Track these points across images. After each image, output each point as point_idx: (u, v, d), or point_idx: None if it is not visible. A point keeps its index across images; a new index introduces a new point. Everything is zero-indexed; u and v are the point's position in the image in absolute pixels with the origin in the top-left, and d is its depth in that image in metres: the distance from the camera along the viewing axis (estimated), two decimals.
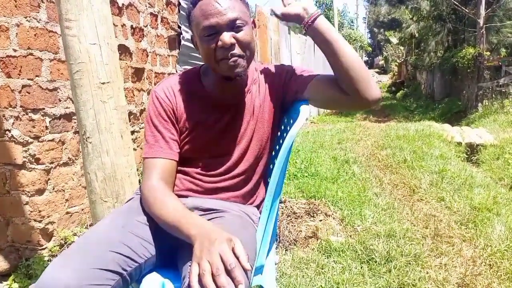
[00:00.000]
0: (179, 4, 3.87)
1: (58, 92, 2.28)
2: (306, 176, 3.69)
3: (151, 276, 1.01)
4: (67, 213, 2.38)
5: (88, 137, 1.42)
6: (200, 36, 1.07)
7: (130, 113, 3.09)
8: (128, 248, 0.96)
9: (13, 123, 2.06)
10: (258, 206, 1.25)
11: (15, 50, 2.03)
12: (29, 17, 2.08)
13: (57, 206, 2.30)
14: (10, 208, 2.17)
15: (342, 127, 7.38)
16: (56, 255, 2.20)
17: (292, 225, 2.54)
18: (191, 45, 1.19)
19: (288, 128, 1.16)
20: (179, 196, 1.12)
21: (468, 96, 10.88)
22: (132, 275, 0.96)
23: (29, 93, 2.10)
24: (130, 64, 3.05)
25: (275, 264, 2.02)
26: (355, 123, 7.86)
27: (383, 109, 13.43)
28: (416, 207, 3.01)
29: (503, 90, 9.47)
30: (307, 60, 10.46)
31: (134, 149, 3.06)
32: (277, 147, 1.29)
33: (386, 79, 27.24)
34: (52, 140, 2.25)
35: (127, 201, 1.19)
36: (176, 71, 3.85)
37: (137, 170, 1.67)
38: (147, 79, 3.33)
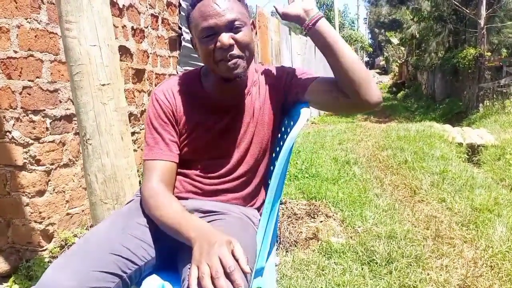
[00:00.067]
0: (180, 5, 3.87)
1: (58, 93, 2.28)
2: (306, 177, 3.68)
3: (151, 279, 1.01)
4: (68, 214, 2.38)
5: (89, 139, 1.42)
6: (199, 38, 1.07)
7: (130, 114, 3.09)
8: (128, 250, 0.96)
9: (13, 125, 2.06)
10: (258, 208, 1.24)
11: (15, 52, 2.03)
12: (30, 18, 2.08)
13: (58, 207, 2.30)
14: (11, 210, 2.17)
15: (343, 127, 7.38)
16: (57, 257, 2.20)
17: (292, 226, 2.53)
18: (192, 46, 1.19)
19: (289, 130, 1.16)
20: (179, 198, 1.12)
21: (469, 97, 10.87)
22: (132, 278, 0.96)
23: (29, 94, 2.10)
24: (130, 65, 3.05)
25: (276, 265, 2.02)
26: (356, 124, 7.86)
27: (384, 110, 13.42)
28: (417, 208, 3.00)
29: (504, 91, 9.46)
30: (308, 61, 10.46)
31: (135, 150, 3.06)
32: (278, 149, 1.29)
33: (387, 80, 27.24)
34: (53, 141, 2.25)
35: (127, 203, 1.19)
36: (177, 72, 3.86)
37: (138, 171, 1.67)
38: (147, 80, 3.33)
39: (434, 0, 12.35)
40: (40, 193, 2.18)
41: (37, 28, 2.13)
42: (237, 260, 0.80)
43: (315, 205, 2.87)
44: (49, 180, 2.23)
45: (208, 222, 1.05)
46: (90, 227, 2.41)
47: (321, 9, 33.37)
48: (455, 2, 11.04)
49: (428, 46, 14.11)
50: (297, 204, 2.90)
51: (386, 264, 2.09)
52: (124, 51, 2.95)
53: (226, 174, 1.18)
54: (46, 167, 2.20)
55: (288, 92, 1.19)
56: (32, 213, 2.16)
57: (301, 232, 2.48)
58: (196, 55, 4.21)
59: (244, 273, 0.80)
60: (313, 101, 1.15)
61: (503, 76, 10.01)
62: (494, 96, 9.77)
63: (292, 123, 1.17)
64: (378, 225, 2.61)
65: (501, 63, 10.53)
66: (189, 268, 0.81)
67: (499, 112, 8.63)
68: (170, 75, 3.73)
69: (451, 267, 2.10)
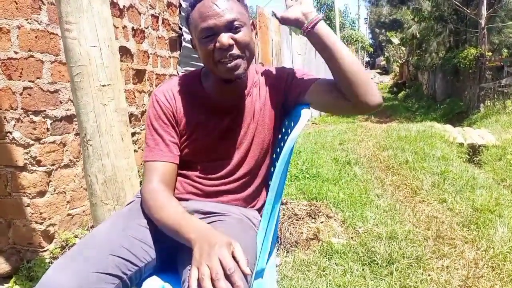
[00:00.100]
0: (180, 5, 3.87)
1: (59, 94, 2.28)
2: (307, 178, 3.68)
3: (151, 280, 1.01)
4: (68, 215, 2.38)
5: (89, 140, 1.42)
6: (199, 38, 1.07)
7: (131, 115, 3.09)
8: (128, 252, 0.95)
9: (14, 125, 2.06)
10: (259, 210, 1.24)
11: (16, 52, 2.04)
12: (30, 19, 2.08)
13: (58, 208, 2.30)
14: (12, 210, 2.17)
15: (343, 128, 7.37)
16: (58, 257, 2.20)
17: (293, 227, 2.53)
18: (192, 47, 1.19)
19: (289, 131, 1.16)
20: (180, 199, 1.12)
21: (470, 97, 10.86)
22: (132, 279, 0.96)
23: (30, 95, 2.10)
24: (131, 66, 3.05)
25: (276, 266, 2.02)
26: (357, 124, 7.85)
27: (385, 110, 13.41)
28: (418, 209, 3.00)
29: (505, 91, 9.45)
30: (308, 60, 10.45)
31: (136, 151, 3.06)
32: (278, 150, 1.28)
33: (388, 80, 27.22)
34: (53, 142, 2.25)
35: (127, 204, 1.19)
36: (178, 73, 3.86)
37: (138, 172, 1.67)
38: (148, 80, 3.33)
39: (435, 0, 12.35)
40: (41, 193, 2.18)
41: (38, 29, 2.13)
42: (237, 262, 0.80)
43: (316, 206, 2.87)
44: (50, 181, 2.23)
45: (209, 223, 1.05)
46: (91, 227, 2.41)
47: (322, 9, 33.34)
48: (456, 2, 11.03)
49: (429, 46, 14.11)
50: (298, 205, 2.89)
51: (387, 265, 2.09)
52: (124, 52, 2.95)
53: (226, 176, 1.18)
54: (47, 168, 2.20)
55: (288, 93, 1.19)
56: (33, 213, 2.16)
57: (302, 233, 2.48)
58: (196, 56, 4.20)
59: (244, 274, 0.80)
60: (313, 103, 1.15)
61: (504, 76, 10.00)
62: (495, 96, 9.76)
63: (292, 124, 1.17)
64: (379, 225, 2.60)
65: (502, 63, 10.52)
66: (189, 270, 0.81)
67: (500, 112, 8.61)
68: (170, 75, 3.73)
69: (452, 268, 2.09)
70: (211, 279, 0.77)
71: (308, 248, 2.33)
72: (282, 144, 1.23)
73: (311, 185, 3.39)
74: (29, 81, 2.10)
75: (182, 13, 3.86)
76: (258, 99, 1.19)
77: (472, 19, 11.04)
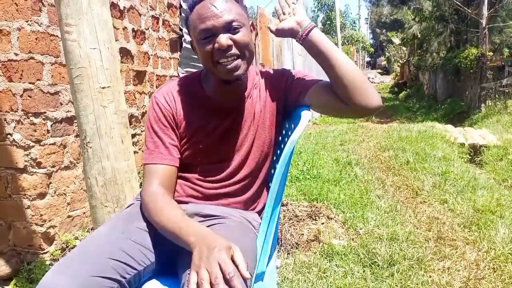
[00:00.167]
0: (181, 6, 3.87)
1: (59, 95, 2.28)
2: (308, 179, 3.67)
3: (151, 284, 1.00)
4: (69, 216, 2.38)
5: (89, 142, 1.42)
6: (198, 40, 1.07)
7: (131, 116, 3.09)
8: (127, 255, 0.95)
9: (14, 127, 2.06)
10: (259, 212, 1.24)
11: (16, 54, 2.04)
12: (31, 21, 2.08)
13: (59, 210, 2.29)
14: (12, 212, 2.17)
15: (344, 128, 7.36)
16: (58, 259, 2.20)
17: (294, 229, 2.52)
18: (192, 49, 1.19)
19: (290, 133, 1.16)
20: (180, 202, 1.12)
21: (471, 97, 10.84)
22: (131, 283, 0.95)
23: (30, 97, 2.10)
24: (131, 67, 3.05)
25: (277, 268, 2.01)
26: (358, 124, 7.84)
27: (386, 110, 13.40)
28: (419, 210, 2.99)
29: (506, 91, 9.43)
30: (309, 61, 10.43)
31: (136, 152, 3.06)
32: (279, 152, 1.28)
33: (389, 80, 27.21)
34: (54, 143, 2.25)
35: (127, 207, 1.18)
36: (178, 74, 3.86)
37: (138, 173, 1.67)
38: (148, 82, 3.33)
39: (436, 0, 12.34)
40: (41, 195, 2.18)
41: (38, 31, 2.13)
42: (236, 266, 0.80)
43: (317, 207, 2.86)
44: (50, 183, 2.23)
45: (208, 226, 1.04)
46: (91, 229, 2.41)
47: (323, 9, 33.32)
48: (457, 2, 11.02)
49: (429, 46, 14.09)
50: (299, 206, 2.89)
51: (388, 267, 2.08)
52: (125, 53, 2.95)
53: (227, 178, 1.17)
54: (47, 170, 2.20)
55: (288, 95, 1.18)
56: (33, 215, 2.16)
57: (303, 234, 2.47)
58: (197, 57, 4.20)
59: (244, 279, 0.80)
60: (313, 104, 1.15)
61: (505, 76, 9.99)
62: (496, 96, 9.74)
63: (293, 126, 1.16)
64: (379, 226, 2.60)
65: (503, 63, 10.50)
66: (189, 274, 0.81)
67: (501, 112, 8.59)
68: (171, 76, 3.73)
69: (453, 269, 2.09)
70: (210, 283, 0.76)
71: (308, 250, 2.32)
72: (282, 146, 1.23)
73: (311, 186, 3.38)
74: (30, 83, 2.09)
75: (183, 14, 3.86)
76: (258, 101, 1.19)
77: (473, 19, 11.03)
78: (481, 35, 10.36)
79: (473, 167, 4.51)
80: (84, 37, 1.36)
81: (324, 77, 1.20)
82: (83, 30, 1.36)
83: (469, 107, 10.80)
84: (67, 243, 2.30)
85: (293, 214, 2.72)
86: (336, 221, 2.70)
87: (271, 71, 1.25)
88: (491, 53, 10.66)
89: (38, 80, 2.14)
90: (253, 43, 1.11)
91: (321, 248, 2.31)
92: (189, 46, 3.90)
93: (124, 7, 2.94)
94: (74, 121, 2.38)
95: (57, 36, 2.25)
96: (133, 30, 3.06)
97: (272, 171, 1.29)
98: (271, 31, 1.18)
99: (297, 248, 2.33)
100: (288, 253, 2.29)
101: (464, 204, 3.01)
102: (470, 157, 5.29)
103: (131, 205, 1.17)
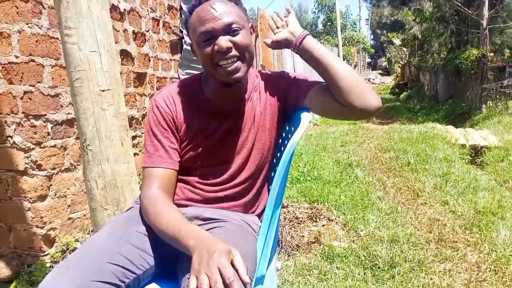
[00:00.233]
0: (181, 8, 3.88)
1: (59, 98, 2.28)
2: (308, 180, 3.67)
3: (150, 287, 1.00)
4: (69, 218, 2.38)
5: (88, 145, 1.42)
6: (197, 42, 1.07)
7: (132, 118, 3.09)
8: (126, 259, 0.95)
9: (15, 130, 2.06)
10: (259, 215, 1.23)
11: (16, 57, 2.04)
12: (31, 23, 2.09)
13: (59, 212, 2.29)
14: (12, 215, 2.17)
15: (345, 129, 7.35)
16: (58, 261, 2.20)
17: (294, 230, 2.52)
18: (192, 52, 1.19)
19: (290, 136, 1.15)
20: (180, 205, 1.11)
21: (472, 98, 10.83)
22: (130, 287, 0.95)
23: (30, 99, 2.10)
24: (132, 69, 3.05)
25: (277, 270, 2.01)
26: (358, 125, 7.83)
27: (387, 111, 13.40)
28: (420, 211, 2.99)
29: (507, 91, 9.41)
30: None
31: (137, 154, 3.06)
32: (279, 154, 1.28)
33: (389, 81, 27.20)
34: (54, 146, 2.25)
35: (126, 210, 1.18)
36: (179, 76, 3.86)
37: (139, 175, 1.67)
38: (149, 83, 3.33)
39: (436, 1, 12.33)
40: (42, 197, 2.18)
41: (38, 33, 2.13)
42: (236, 270, 0.79)
43: (317, 209, 2.86)
44: (51, 185, 2.23)
45: (208, 229, 1.04)
46: (91, 231, 2.40)
47: (323, 10, 33.33)
48: (457, 3, 11.02)
49: (430, 47, 14.08)
50: (299, 208, 2.89)
51: (388, 269, 2.07)
52: (125, 55, 2.95)
53: (227, 181, 1.17)
54: (48, 172, 2.20)
55: (288, 98, 1.18)
56: (33, 218, 2.16)
57: (303, 236, 2.47)
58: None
59: (244, 283, 0.79)
60: (313, 107, 1.15)
61: (506, 76, 9.97)
62: (497, 96, 9.72)
63: (292, 128, 1.16)
64: (380, 228, 2.59)
65: (504, 64, 10.49)
66: (188, 278, 0.80)
67: (503, 113, 8.58)
68: (171, 78, 3.74)
69: (454, 271, 2.08)
70: None
71: (309, 252, 2.32)
72: (282, 149, 1.23)
73: (312, 187, 3.38)
74: (30, 85, 2.10)
75: (183, 16, 3.86)
76: (258, 104, 1.19)
77: (473, 19, 11.02)
78: (481, 36, 10.35)
79: (474, 168, 4.50)
80: (84, 40, 1.37)
81: None
82: (82, 33, 1.36)
83: (470, 108, 10.78)
84: (67, 245, 2.29)
85: (293, 216, 2.71)
86: (336, 223, 2.70)
87: (271, 74, 1.25)
88: (492, 54, 10.65)
89: (38, 82, 2.14)
90: (253, 45, 1.11)
91: (321, 250, 2.30)
92: (189, 48, 3.90)
93: (125, 9, 2.94)
94: (75, 123, 2.38)
95: (57, 38, 2.25)
96: (133, 32, 3.07)
97: (272, 174, 1.28)
98: (267, 44, 1.21)
99: (297, 250, 2.33)
100: (289, 255, 2.28)
101: (465, 205, 3.00)
102: (471, 158, 5.28)
103: (130, 208, 1.17)
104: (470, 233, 2.56)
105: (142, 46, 3.21)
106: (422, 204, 3.16)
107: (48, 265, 2.18)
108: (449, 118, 10.80)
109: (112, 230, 1.03)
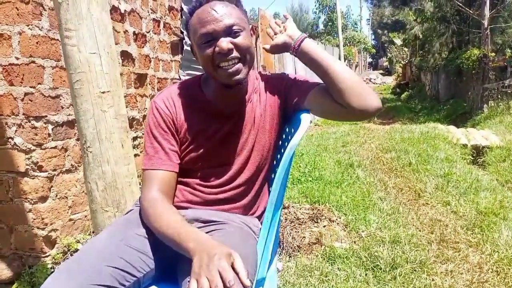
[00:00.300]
0: (182, 9, 3.88)
1: (60, 99, 2.28)
2: (310, 181, 3.66)
3: None
4: (70, 220, 2.38)
5: (89, 147, 1.42)
6: (198, 44, 1.07)
7: (133, 119, 3.09)
8: (126, 262, 0.95)
9: (15, 131, 2.07)
10: (259, 217, 1.23)
11: (17, 58, 2.04)
12: (31, 25, 2.09)
13: (60, 213, 2.29)
14: (13, 216, 2.17)
15: (346, 129, 7.34)
16: (59, 263, 2.20)
17: (295, 231, 2.52)
18: (193, 54, 1.19)
19: (290, 137, 1.15)
20: (179, 207, 1.11)
21: (473, 97, 10.80)
22: None
23: (31, 100, 2.10)
24: (132, 70, 3.05)
25: (278, 271, 2.00)
26: (360, 126, 7.82)
27: (388, 111, 13.38)
28: (422, 212, 2.98)
29: (509, 91, 9.38)
30: None
31: (138, 155, 3.06)
32: (279, 156, 1.27)
33: (391, 81, 27.16)
34: (55, 147, 2.25)
35: (126, 213, 1.18)
36: (179, 77, 3.86)
37: (139, 176, 1.66)
38: (149, 84, 3.33)
39: (437, 1, 12.32)
40: (43, 199, 2.18)
41: (39, 35, 2.13)
42: (237, 273, 0.79)
43: (318, 209, 2.85)
44: (52, 186, 2.23)
45: (208, 232, 1.04)
46: (92, 232, 2.40)
47: (324, 11, 33.32)
48: (458, 3, 11.00)
49: (431, 46, 14.06)
50: (300, 208, 2.88)
51: (390, 270, 2.07)
52: (126, 56, 2.95)
53: (227, 183, 1.17)
54: (49, 173, 2.20)
55: (288, 99, 1.18)
56: (34, 219, 2.16)
57: (304, 237, 2.46)
58: None
59: (244, 286, 0.79)
60: (313, 109, 1.15)
61: (507, 76, 9.93)
62: (499, 96, 9.69)
63: (293, 130, 1.16)
64: (382, 229, 2.59)
65: (505, 63, 10.45)
66: (188, 281, 0.80)
67: (504, 112, 8.55)
68: (172, 79, 3.74)
69: (456, 272, 2.07)
70: None
71: (310, 253, 2.31)
72: (282, 150, 1.22)
73: (313, 188, 3.37)
74: (31, 87, 2.10)
75: (184, 17, 3.86)
76: (258, 105, 1.19)
77: (475, 19, 11.00)
78: (483, 36, 10.33)
79: (476, 169, 4.49)
80: (84, 42, 1.37)
81: None
82: (82, 35, 1.36)
83: (471, 107, 10.76)
84: (68, 246, 2.29)
85: (294, 217, 2.71)
86: (338, 223, 2.69)
87: (271, 75, 1.25)
88: (493, 54, 10.63)
89: (39, 84, 2.14)
90: (253, 47, 1.11)
91: (323, 251, 2.30)
92: (190, 49, 3.90)
93: (125, 10, 2.94)
94: (75, 124, 2.36)
95: (58, 40, 2.25)
96: (134, 33, 3.07)
97: (272, 176, 1.28)
98: (266, 50, 1.21)
99: (298, 251, 2.32)
100: (290, 256, 2.28)
101: (467, 206, 3.00)
102: (472, 158, 5.26)
103: (130, 211, 1.17)
104: (472, 233, 2.55)
105: (143, 47, 3.21)
106: (424, 205, 3.15)
107: (49, 266, 2.18)
108: (450, 118, 10.77)
109: (112, 233, 1.03)
